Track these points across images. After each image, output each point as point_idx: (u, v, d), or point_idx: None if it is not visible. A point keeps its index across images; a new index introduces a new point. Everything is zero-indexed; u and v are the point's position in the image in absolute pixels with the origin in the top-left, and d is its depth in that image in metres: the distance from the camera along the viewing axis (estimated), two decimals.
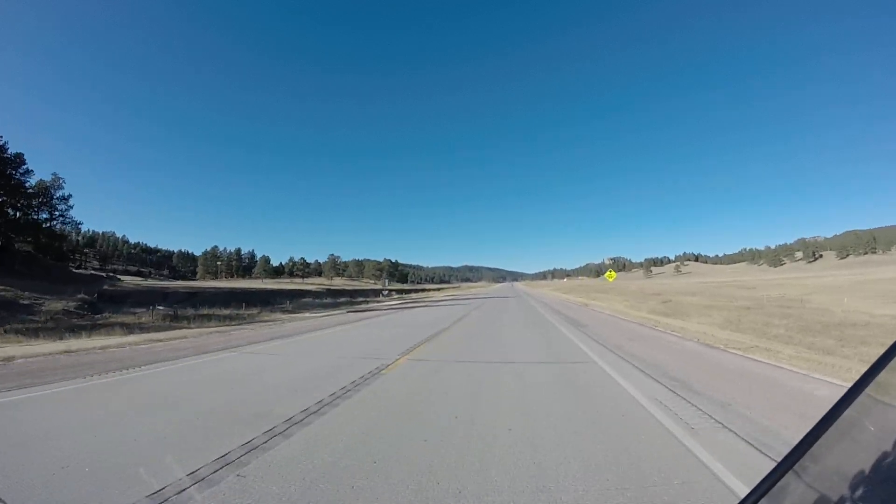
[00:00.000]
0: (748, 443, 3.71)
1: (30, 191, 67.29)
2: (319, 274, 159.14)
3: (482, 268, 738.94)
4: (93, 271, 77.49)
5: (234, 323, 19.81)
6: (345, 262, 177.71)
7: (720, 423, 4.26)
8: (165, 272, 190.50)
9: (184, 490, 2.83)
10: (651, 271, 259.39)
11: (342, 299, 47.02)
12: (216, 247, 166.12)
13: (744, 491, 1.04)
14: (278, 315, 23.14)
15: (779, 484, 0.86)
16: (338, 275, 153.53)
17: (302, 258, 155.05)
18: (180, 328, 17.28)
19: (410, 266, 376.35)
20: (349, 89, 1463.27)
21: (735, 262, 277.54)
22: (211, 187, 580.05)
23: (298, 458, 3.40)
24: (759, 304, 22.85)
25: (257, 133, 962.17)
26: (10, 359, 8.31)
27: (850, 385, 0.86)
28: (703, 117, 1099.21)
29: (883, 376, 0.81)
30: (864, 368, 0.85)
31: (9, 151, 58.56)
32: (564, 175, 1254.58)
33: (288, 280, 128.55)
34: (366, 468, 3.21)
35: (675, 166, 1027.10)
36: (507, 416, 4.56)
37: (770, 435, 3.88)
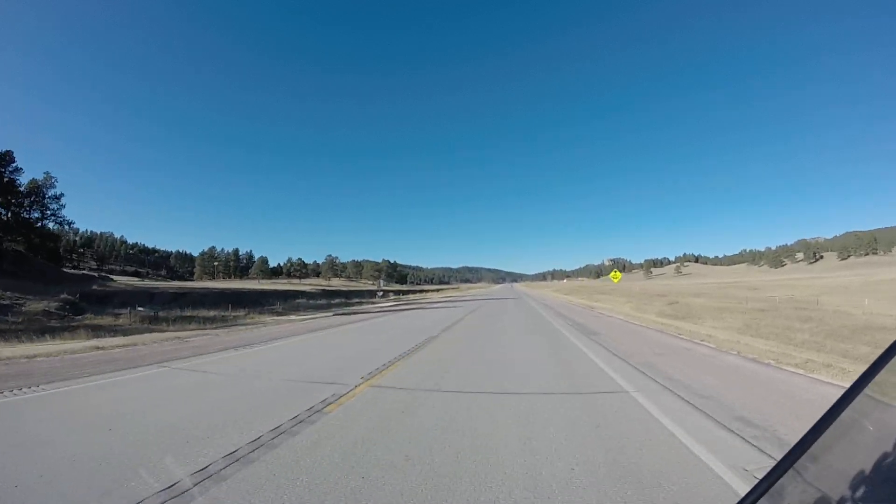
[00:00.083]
0: None
1: (21, 189, 66.18)
2: (317, 275, 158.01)
3: (481, 269, 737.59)
4: (84, 272, 76.21)
5: (212, 326, 18.58)
6: (343, 263, 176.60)
7: None
8: (163, 273, 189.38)
9: None
10: (651, 272, 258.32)
11: (336, 300, 45.75)
12: (213, 247, 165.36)
13: None
14: (263, 317, 21.86)
15: (778, 483, 0.86)
16: (336, 276, 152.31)
17: (299, 259, 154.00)
18: (150, 331, 16.08)
19: (410, 267, 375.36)
20: (349, 89, 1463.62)
21: (735, 263, 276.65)
22: (210, 187, 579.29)
23: None
24: (772, 307, 21.64)
25: (257, 133, 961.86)
26: None
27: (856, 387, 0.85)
28: (703, 117, 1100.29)
29: (882, 376, 0.81)
30: None
31: None
32: (564, 175, 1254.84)
33: (285, 281, 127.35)
34: None
35: (675, 166, 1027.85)
36: None
37: None
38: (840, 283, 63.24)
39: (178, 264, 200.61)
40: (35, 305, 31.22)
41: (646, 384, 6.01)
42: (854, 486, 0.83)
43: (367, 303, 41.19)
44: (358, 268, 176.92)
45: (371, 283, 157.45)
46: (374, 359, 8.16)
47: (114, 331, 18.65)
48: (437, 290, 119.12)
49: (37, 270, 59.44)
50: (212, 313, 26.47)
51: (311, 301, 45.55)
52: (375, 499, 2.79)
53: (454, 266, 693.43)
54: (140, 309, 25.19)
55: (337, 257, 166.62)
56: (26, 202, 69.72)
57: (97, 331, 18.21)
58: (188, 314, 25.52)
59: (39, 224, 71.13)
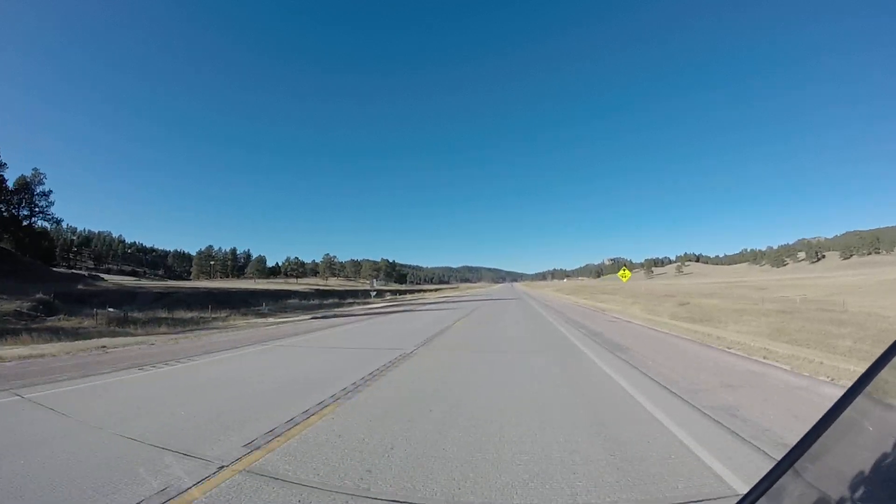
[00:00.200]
0: None
1: (8, 187, 64.57)
2: (316, 274, 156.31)
3: (481, 268, 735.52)
4: (74, 271, 74.40)
5: (180, 329, 16.99)
6: (341, 263, 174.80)
7: None
8: (161, 272, 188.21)
9: None
10: (652, 272, 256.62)
11: (329, 301, 44.08)
12: (211, 246, 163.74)
13: None
14: (237, 321, 20.15)
15: (778, 483, 0.86)
16: (333, 275, 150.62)
17: (296, 258, 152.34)
18: (110, 335, 14.46)
19: (409, 266, 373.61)
20: (349, 89, 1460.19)
21: (736, 263, 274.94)
22: (210, 187, 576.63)
23: None
24: (791, 308, 19.95)
25: (257, 133, 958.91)
26: None
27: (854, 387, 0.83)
28: (703, 117, 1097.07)
29: (882, 377, 0.81)
30: None
31: None
32: (564, 175, 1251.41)
33: (282, 281, 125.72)
34: None
35: (674, 166, 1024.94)
36: None
37: None
38: (850, 282, 61.59)
39: (176, 264, 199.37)
40: (7, 305, 29.53)
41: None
42: (854, 487, 0.82)
43: (360, 303, 39.46)
44: (356, 267, 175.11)
45: (369, 282, 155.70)
46: (291, 403, 5.06)
47: (74, 334, 17.08)
48: (436, 290, 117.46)
49: (23, 269, 57.80)
50: (190, 315, 24.85)
51: (303, 301, 43.93)
52: None
53: (454, 266, 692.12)
54: (110, 310, 23.52)
55: (335, 257, 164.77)
56: (14, 199, 68.17)
57: (56, 334, 16.62)
58: (164, 316, 23.90)
59: (28, 222, 69.58)
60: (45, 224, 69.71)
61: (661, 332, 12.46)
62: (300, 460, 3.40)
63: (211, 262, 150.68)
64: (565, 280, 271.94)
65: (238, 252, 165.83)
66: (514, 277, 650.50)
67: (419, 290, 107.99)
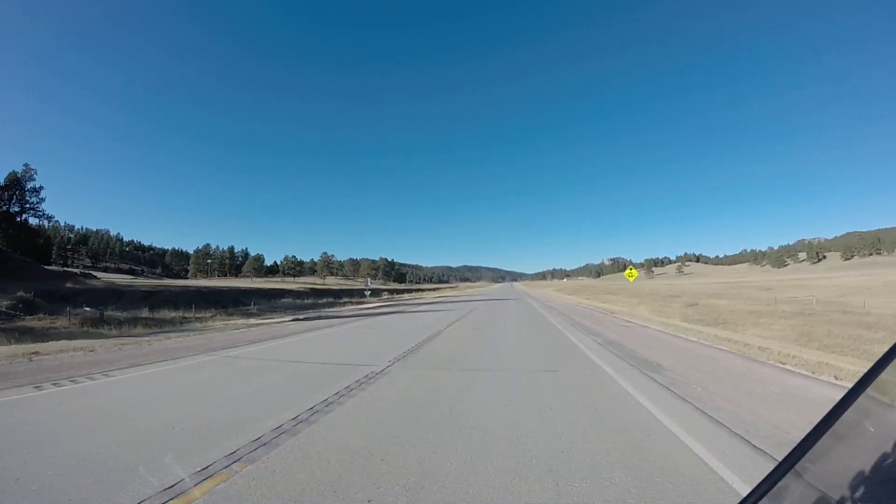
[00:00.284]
0: None
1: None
2: (314, 273, 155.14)
3: (481, 268, 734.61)
4: (66, 268, 73.20)
5: (153, 330, 15.88)
6: (340, 262, 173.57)
7: None
8: (158, 270, 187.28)
9: None
10: (653, 271, 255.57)
11: (323, 300, 42.92)
12: (208, 245, 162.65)
13: None
14: (217, 322, 18.95)
15: (779, 484, 0.85)
16: (332, 274, 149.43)
17: (293, 256, 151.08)
18: (81, 336, 13.39)
19: (409, 266, 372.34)
20: (349, 89, 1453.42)
21: (736, 263, 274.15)
22: (210, 186, 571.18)
23: None
24: (807, 309, 18.77)
25: (257, 133, 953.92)
26: None
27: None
28: (703, 117, 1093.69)
29: (883, 377, 0.81)
30: None
31: None
32: (564, 175, 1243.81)
33: (279, 279, 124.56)
34: None
35: (674, 166, 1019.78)
36: None
37: None
38: (855, 283, 60.48)
39: (174, 262, 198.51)
40: None
41: None
42: (854, 487, 0.83)
43: (353, 303, 38.25)
44: (355, 266, 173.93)
45: (372, 281, 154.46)
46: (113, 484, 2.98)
47: (43, 334, 16.03)
48: (435, 290, 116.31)
49: (13, 267, 56.70)
50: (173, 314, 23.70)
51: (296, 300, 42.77)
52: None
53: (454, 265, 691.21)
54: (87, 309, 22.36)
55: (333, 255, 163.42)
56: (5, 195, 67.01)
57: (23, 334, 15.58)
58: (144, 315, 22.75)
59: (19, 219, 68.40)
60: (36, 220, 68.34)
61: (687, 341, 10.70)
62: None
63: (208, 260, 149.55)
64: (565, 280, 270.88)
65: (236, 251, 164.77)
66: (514, 277, 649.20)
67: (418, 290, 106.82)
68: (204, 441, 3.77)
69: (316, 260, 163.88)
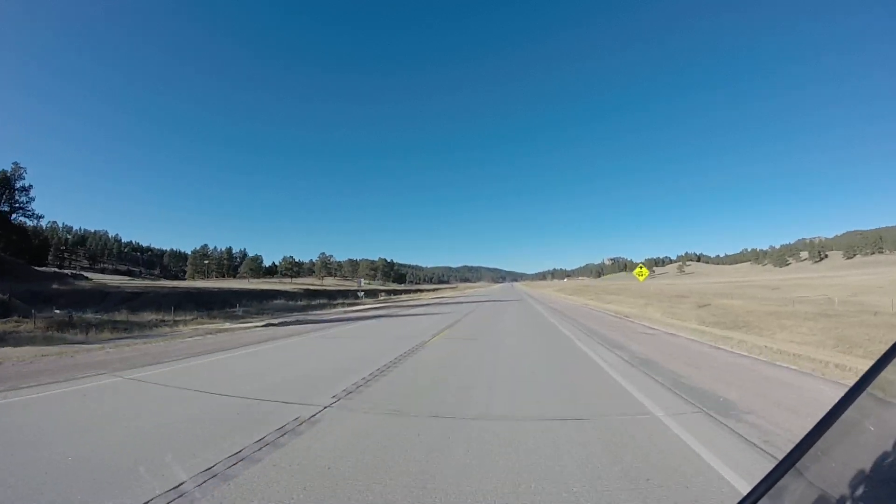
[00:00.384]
0: None
1: None
2: (312, 274, 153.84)
3: (481, 268, 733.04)
4: (57, 269, 71.88)
5: (120, 333, 14.54)
6: (339, 262, 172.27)
7: None
8: (157, 271, 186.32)
9: None
10: (654, 271, 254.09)
11: (317, 301, 41.55)
12: (206, 245, 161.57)
13: None
14: (189, 327, 17.56)
15: (779, 483, 0.85)
16: (330, 275, 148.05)
17: (291, 257, 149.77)
18: (42, 343, 12.09)
19: (409, 266, 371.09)
20: (349, 89, 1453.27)
21: (737, 263, 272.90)
22: (210, 187, 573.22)
23: None
24: (833, 311, 17.40)
25: (257, 133, 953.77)
26: None
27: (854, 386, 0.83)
28: (703, 117, 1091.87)
29: (884, 376, 0.81)
30: None
31: None
32: (564, 175, 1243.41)
33: (276, 280, 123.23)
34: None
35: (674, 166, 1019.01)
36: None
37: None
38: (863, 282, 59.14)
39: (172, 263, 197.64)
40: None
41: None
42: (854, 486, 0.82)
43: (346, 304, 36.86)
44: (353, 267, 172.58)
45: (367, 281, 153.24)
46: None
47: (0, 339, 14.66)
48: (434, 290, 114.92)
49: (1, 267, 55.45)
50: (152, 317, 22.34)
51: (289, 302, 41.42)
52: None
53: (454, 265, 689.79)
54: (57, 312, 21.03)
55: (332, 256, 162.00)
56: None
57: None
58: (119, 318, 21.37)
59: (11, 218, 67.04)
60: (26, 220, 66.96)
61: (733, 354, 8.37)
62: None
63: (205, 261, 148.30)
64: (565, 280, 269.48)
65: (234, 251, 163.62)
66: (514, 277, 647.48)
67: (416, 291, 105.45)
68: None
69: (315, 261, 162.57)
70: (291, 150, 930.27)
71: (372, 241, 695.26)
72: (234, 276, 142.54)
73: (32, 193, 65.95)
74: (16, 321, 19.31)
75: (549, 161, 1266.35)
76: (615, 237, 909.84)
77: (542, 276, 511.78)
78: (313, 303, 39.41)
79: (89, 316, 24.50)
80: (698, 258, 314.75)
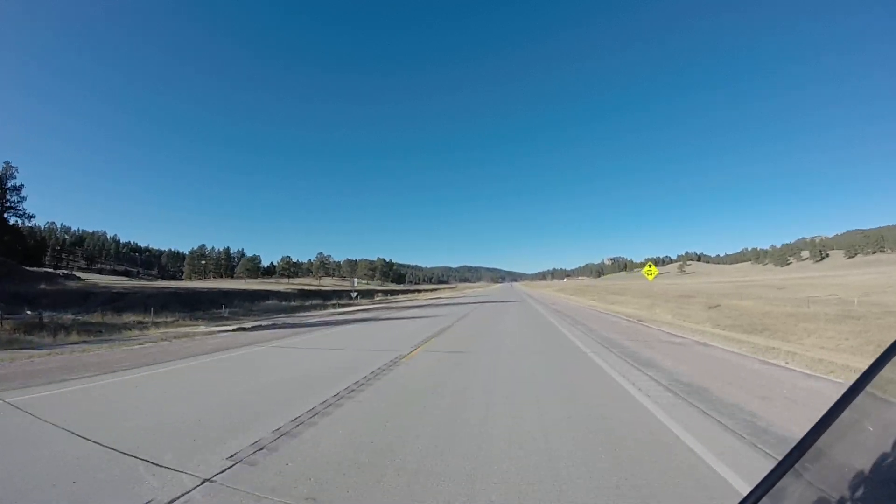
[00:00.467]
0: None
1: None
2: (310, 274, 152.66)
3: (481, 268, 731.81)
4: (48, 269, 70.68)
5: (88, 337, 13.37)
6: (337, 262, 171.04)
7: None
8: (155, 272, 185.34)
9: None
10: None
11: (310, 302, 40.39)
12: (203, 246, 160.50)
13: None
14: (161, 330, 16.36)
15: (779, 483, 0.85)
16: (328, 275, 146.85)
17: (288, 257, 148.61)
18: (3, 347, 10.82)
19: (409, 266, 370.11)
20: (349, 89, 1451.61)
21: (738, 262, 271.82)
22: (209, 187, 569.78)
23: None
24: (856, 313, 16.22)
25: (257, 133, 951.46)
26: None
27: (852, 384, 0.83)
28: (703, 117, 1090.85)
29: (883, 376, 0.81)
30: None
31: None
32: (564, 175, 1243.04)
33: (273, 281, 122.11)
34: None
35: (674, 166, 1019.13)
36: None
37: None
38: (869, 281, 57.98)
39: (170, 263, 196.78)
40: None
41: None
42: (854, 487, 0.82)
43: (338, 305, 35.67)
44: (352, 267, 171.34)
45: (365, 282, 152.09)
46: None
47: None
48: (432, 290, 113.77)
49: None
50: (130, 319, 21.21)
51: (282, 302, 40.26)
52: None
53: (453, 265, 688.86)
54: (28, 313, 19.89)
55: (330, 256, 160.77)
56: None
57: None
58: (94, 320, 20.25)
59: (2, 217, 65.87)
60: (17, 220, 65.80)
61: (805, 377, 6.25)
62: None
63: (202, 261, 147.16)
64: (565, 280, 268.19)
65: (232, 252, 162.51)
66: (514, 277, 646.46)
67: (414, 291, 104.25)
68: None
69: (313, 261, 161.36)
70: (291, 150, 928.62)
71: (372, 242, 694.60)
72: (231, 277, 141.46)
73: (24, 193, 64.80)
74: None
75: (549, 161, 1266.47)
76: (615, 237, 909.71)
77: (541, 276, 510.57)
78: (306, 303, 38.25)
79: (68, 317, 23.40)
80: (699, 258, 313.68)
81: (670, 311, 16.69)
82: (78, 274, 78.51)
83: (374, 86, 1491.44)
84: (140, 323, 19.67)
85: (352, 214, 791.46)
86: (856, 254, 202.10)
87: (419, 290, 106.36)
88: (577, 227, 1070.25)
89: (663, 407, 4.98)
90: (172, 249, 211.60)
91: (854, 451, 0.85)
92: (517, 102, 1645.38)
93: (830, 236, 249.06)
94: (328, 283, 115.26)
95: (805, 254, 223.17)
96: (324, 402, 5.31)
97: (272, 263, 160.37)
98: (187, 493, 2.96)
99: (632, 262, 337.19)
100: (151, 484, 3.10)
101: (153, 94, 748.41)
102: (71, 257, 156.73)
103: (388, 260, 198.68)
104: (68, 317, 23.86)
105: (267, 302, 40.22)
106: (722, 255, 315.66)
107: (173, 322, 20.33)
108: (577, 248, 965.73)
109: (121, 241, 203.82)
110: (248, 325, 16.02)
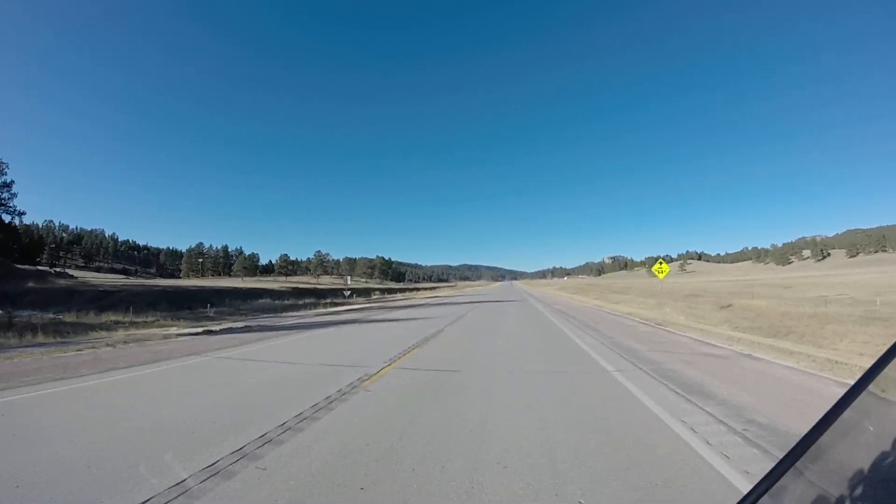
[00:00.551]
0: None
1: None
2: (309, 272, 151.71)
3: (481, 267, 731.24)
4: (39, 267, 69.61)
5: (56, 338, 12.31)
6: (336, 261, 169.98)
7: None
8: (153, 270, 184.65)
9: None
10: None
11: (304, 300, 39.33)
12: (201, 243, 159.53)
13: None
14: (126, 332, 15.23)
15: (780, 482, 0.86)
16: (326, 273, 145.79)
17: (285, 255, 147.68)
18: None
19: (409, 265, 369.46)
20: (349, 89, 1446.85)
21: (738, 261, 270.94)
22: (209, 186, 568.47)
23: None
24: (879, 313, 15.14)
25: (257, 133, 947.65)
26: None
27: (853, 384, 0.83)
28: (703, 117, 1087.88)
29: (883, 376, 0.81)
30: None
31: None
32: (564, 175, 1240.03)
33: (271, 279, 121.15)
34: None
35: (674, 165, 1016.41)
36: None
37: None
38: (876, 280, 56.92)
39: (168, 261, 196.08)
40: None
41: None
42: (854, 486, 0.83)
43: (330, 304, 34.57)
44: (351, 265, 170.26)
45: (364, 280, 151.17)
46: None
47: None
48: (431, 289, 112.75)
49: None
50: (109, 318, 20.13)
51: (274, 301, 39.17)
52: None
53: (453, 264, 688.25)
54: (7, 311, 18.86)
55: (328, 254, 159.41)
56: None
57: None
58: (68, 320, 19.18)
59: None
60: (8, 217, 64.68)
61: None
62: None
63: (200, 259, 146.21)
64: (566, 278, 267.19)
65: (231, 250, 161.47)
66: (514, 276, 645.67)
67: (413, 289, 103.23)
68: None
69: (312, 259, 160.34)
70: (291, 150, 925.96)
71: (372, 241, 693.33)
72: (229, 275, 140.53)
73: (15, 189, 63.54)
74: None
75: (549, 161, 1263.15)
76: (615, 236, 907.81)
77: (541, 274, 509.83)
78: (298, 302, 37.18)
79: (49, 316, 22.37)
80: (699, 256, 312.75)
81: (680, 311, 15.58)
82: (73, 272, 77.38)
83: (374, 86, 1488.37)
84: (117, 323, 18.61)
85: (352, 214, 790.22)
86: (857, 253, 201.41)
87: (417, 289, 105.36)
88: (577, 227, 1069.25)
89: (755, 477, 2.66)
90: (171, 248, 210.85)
91: (855, 450, 0.84)
92: (517, 102, 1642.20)
93: (830, 236, 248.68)
94: (326, 282, 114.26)
95: (806, 253, 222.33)
96: (178, 485, 3.06)
97: (271, 262, 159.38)
98: None
99: (632, 260, 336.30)
100: None
101: (153, 94, 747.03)
102: (69, 255, 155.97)
103: (387, 258, 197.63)
104: (48, 316, 22.83)
105: (259, 301, 39.16)
106: (722, 254, 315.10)
107: (152, 322, 19.26)
108: (577, 246, 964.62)
109: (119, 240, 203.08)
110: (217, 327, 14.55)
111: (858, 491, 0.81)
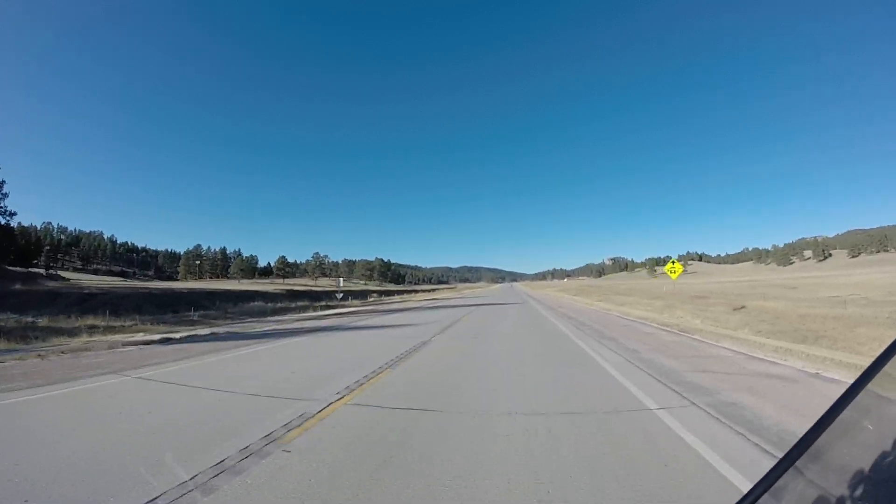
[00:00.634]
0: None
1: None
2: (308, 274, 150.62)
3: (481, 268, 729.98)
4: (31, 269, 68.60)
5: (10, 345, 11.21)
6: (335, 262, 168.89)
7: None
8: (151, 272, 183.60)
9: None
10: (655, 270, 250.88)
11: (297, 303, 38.28)
12: (199, 245, 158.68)
13: None
14: (90, 337, 14.12)
15: (779, 482, 0.86)
16: (325, 275, 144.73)
17: (283, 257, 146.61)
18: None
19: (409, 267, 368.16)
20: (349, 89, 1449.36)
21: (740, 262, 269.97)
22: (210, 187, 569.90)
23: None
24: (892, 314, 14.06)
25: (257, 133, 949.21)
26: None
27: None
28: (703, 117, 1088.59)
29: (883, 374, 0.81)
30: None
31: None
32: (564, 175, 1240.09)
33: (269, 281, 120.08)
34: None
35: (674, 166, 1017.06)
36: None
37: None
38: (883, 280, 55.82)
39: (166, 263, 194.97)
40: None
41: None
42: (854, 485, 0.83)
43: (322, 307, 33.47)
44: (350, 267, 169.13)
45: (363, 282, 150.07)
46: None
47: None
48: (431, 291, 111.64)
49: None
50: (83, 322, 19.09)
51: (267, 304, 38.06)
52: None
53: (453, 266, 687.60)
54: None
55: (326, 256, 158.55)
56: None
57: None
58: (41, 324, 18.15)
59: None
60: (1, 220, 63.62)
61: None
62: None
63: (197, 261, 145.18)
64: (566, 280, 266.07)
65: (230, 252, 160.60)
66: (514, 277, 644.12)
67: (411, 291, 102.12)
68: None
69: (310, 261, 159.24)
70: (291, 150, 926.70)
71: (371, 242, 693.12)
72: (226, 277, 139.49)
73: (6, 189, 62.51)
74: None
75: (549, 161, 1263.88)
76: (615, 237, 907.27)
77: (541, 276, 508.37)
78: (291, 305, 36.12)
79: (28, 319, 21.37)
80: (700, 257, 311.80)
81: (691, 313, 14.52)
82: (68, 275, 76.50)
83: (374, 86, 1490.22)
84: (92, 327, 17.54)
85: (352, 214, 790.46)
86: (859, 253, 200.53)
87: (416, 291, 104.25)
88: (577, 228, 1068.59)
89: None
90: (169, 250, 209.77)
91: (854, 449, 0.84)
92: (517, 102, 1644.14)
93: (831, 236, 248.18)
94: (324, 284, 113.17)
95: (808, 253, 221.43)
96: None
97: (269, 264, 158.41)
98: None
99: (632, 262, 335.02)
100: None
101: (153, 94, 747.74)
102: (66, 257, 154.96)
103: (386, 260, 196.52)
104: (27, 319, 21.83)
105: (251, 304, 38.06)
106: (723, 254, 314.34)
107: (129, 327, 18.22)
108: (577, 248, 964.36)
109: (117, 242, 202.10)
110: (178, 335, 13.13)
111: (858, 490, 0.80)
